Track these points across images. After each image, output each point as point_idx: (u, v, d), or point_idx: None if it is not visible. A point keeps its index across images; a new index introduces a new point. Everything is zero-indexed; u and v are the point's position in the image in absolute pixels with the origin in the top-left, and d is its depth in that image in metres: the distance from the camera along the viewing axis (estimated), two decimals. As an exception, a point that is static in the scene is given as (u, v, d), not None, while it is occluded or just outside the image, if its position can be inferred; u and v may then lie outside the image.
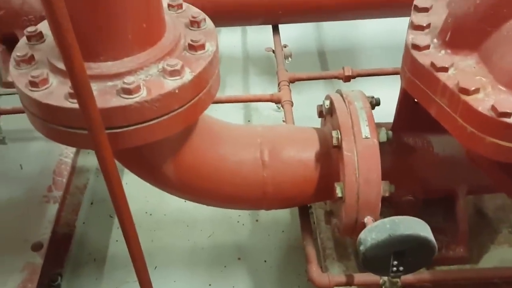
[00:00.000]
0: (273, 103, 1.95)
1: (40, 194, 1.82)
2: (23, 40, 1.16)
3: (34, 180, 1.89)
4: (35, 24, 2.28)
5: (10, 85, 2.39)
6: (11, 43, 2.32)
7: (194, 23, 1.15)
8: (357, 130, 1.21)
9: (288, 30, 2.28)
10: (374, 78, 1.99)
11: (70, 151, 2.00)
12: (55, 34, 0.94)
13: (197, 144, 1.25)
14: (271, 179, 1.30)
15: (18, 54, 1.08)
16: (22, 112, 2.06)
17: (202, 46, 1.08)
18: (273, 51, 2.13)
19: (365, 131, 1.22)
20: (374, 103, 1.30)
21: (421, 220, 1.06)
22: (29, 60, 1.07)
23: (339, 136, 1.21)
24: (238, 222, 1.97)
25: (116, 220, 2.02)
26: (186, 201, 1.48)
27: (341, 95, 1.31)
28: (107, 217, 2.05)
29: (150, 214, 2.04)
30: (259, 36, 2.74)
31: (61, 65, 1.02)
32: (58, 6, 0.76)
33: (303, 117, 1.89)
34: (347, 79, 1.92)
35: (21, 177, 1.94)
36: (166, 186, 1.35)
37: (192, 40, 1.08)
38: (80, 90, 0.86)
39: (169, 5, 1.21)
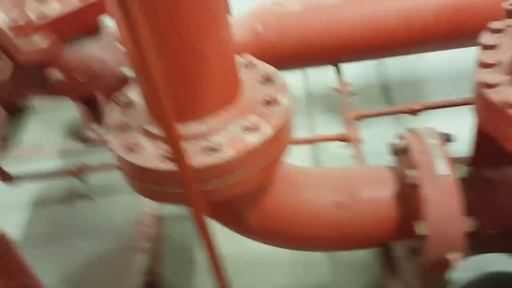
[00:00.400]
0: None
1: (128, 245, 1.94)
2: (115, 107, 1.28)
3: (122, 232, 2.02)
4: (114, 87, 2.49)
5: (93, 142, 2.62)
6: (92, 104, 2.56)
7: (267, 80, 1.23)
8: (433, 168, 1.22)
9: (349, 66, 2.32)
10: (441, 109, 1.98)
11: (152, 202, 2.12)
12: (150, 100, 1.05)
13: (276, 190, 1.31)
14: (351, 220, 1.32)
15: (113, 121, 1.20)
16: (108, 169, 2.24)
17: (277, 101, 1.15)
18: (337, 90, 2.18)
19: (442, 168, 1.22)
20: (447, 138, 1.31)
21: (513, 256, 1.04)
22: (124, 126, 1.19)
23: (416, 175, 1.22)
24: (317, 262, 1.98)
25: (198, 267, 2.11)
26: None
27: (414, 134, 1.33)
28: (188, 263, 2.14)
29: (230, 258, 2.10)
30: (320, 74, 2.80)
31: (152, 129, 1.13)
32: (153, 76, 0.85)
33: (372, 152, 1.90)
34: (415, 113, 1.92)
35: (110, 230, 2.08)
36: (248, 232, 1.41)
37: (267, 96, 1.16)
38: (175, 151, 0.95)
39: (242, 65, 1.30)
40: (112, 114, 1.25)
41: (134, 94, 1.29)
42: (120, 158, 1.14)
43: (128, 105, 1.26)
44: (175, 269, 2.12)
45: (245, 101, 1.16)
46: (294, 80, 2.96)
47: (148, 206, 2.13)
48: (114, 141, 1.17)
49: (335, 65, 2.26)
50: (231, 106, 1.13)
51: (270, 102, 1.15)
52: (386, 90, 2.75)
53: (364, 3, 1.99)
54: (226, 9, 1.09)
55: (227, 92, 1.12)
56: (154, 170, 1.07)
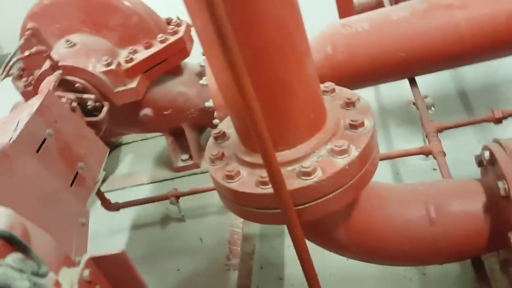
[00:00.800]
0: (420, 154, 1.99)
1: (220, 263, 2.08)
2: (211, 141, 1.41)
3: (213, 250, 2.15)
4: (197, 117, 2.68)
5: (181, 169, 2.82)
6: (178, 134, 2.77)
7: (349, 104, 1.31)
8: (524, 178, 1.22)
9: (423, 77, 2.32)
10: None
11: (239, 221, 2.25)
12: (246, 132, 1.17)
13: (365, 207, 1.37)
14: (441, 234, 1.35)
15: (212, 153, 1.33)
16: (196, 193, 2.39)
17: (362, 124, 1.23)
18: (414, 103, 2.19)
19: (533, 178, 1.23)
20: (537, 148, 1.30)
21: None
22: (221, 157, 1.32)
23: (507, 187, 1.23)
24: (404, 277, 1.99)
25: (285, 282, 2.19)
26: (348, 259, 1.56)
27: (500, 144, 1.34)
28: (277, 279, 2.22)
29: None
30: (391, 88, 2.82)
31: (247, 158, 1.24)
32: (255, 112, 0.96)
33: (455, 163, 1.90)
34: (498, 121, 1.90)
35: (202, 249, 2.23)
36: (338, 248, 1.48)
37: (352, 120, 1.24)
38: (274, 177, 1.05)
39: (324, 91, 1.39)
40: (209, 146, 1.38)
41: (224, 126, 1.42)
42: (220, 186, 1.26)
43: (223, 137, 1.38)
44: (264, 285, 2.21)
45: (330, 126, 1.24)
46: (366, 95, 2.99)
47: (236, 225, 2.26)
48: (214, 171, 1.29)
49: (409, 77, 2.27)
50: (318, 132, 1.22)
51: (354, 126, 1.22)
52: (464, 98, 2.70)
53: (432, 15, 1.99)
54: (308, 43, 1.19)
55: (315, 120, 1.21)
56: (253, 194, 1.17)
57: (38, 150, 1.63)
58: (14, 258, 0.89)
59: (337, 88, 1.40)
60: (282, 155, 1.20)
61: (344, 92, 1.37)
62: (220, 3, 0.85)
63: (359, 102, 1.31)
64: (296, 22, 1.10)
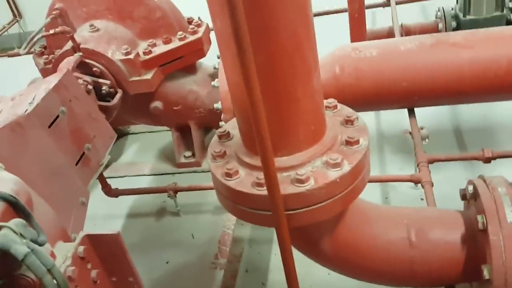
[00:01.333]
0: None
1: (208, 261, 2.14)
2: (215, 139, 1.49)
3: (203, 248, 2.22)
4: (205, 117, 2.76)
5: (183, 165, 2.90)
6: (184, 131, 2.85)
7: (348, 122, 1.39)
8: (502, 215, 1.30)
9: (423, 109, 2.39)
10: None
11: (231, 223, 2.32)
12: (249, 136, 1.25)
13: (350, 223, 1.44)
14: (419, 258, 1.42)
15: (215, 150, 1.41)
16: (195, 189, 2.47)
17: (357, 142, 1.31)
18: (410, 133, 2.27)
19: (510, 216, 1.30)
20: (517, 188, 1.38)
21: None
22: (222, 155, 1.40)
23: (485, 221, 1.31)
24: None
25: (268, 288, 2.25)
26: (330, 273, 1.62)
27: (484, 181, 1.42)
28: (260, 284, 2.29)
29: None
30: (392, 115, 2.90)
31: (247, 159, 1.32)
32: (260, 118, 1.05)
33: (442, 196, 1.97)
34: (487, 160, 1.97)
35: (193, 245, 2.29)
36: (321, 259, 1.55)
37: (348, 137, 1.32)
38: (270, 181, 1.13)
39: (326, 107, 1.47)
40: (213, 143, 1.46)
41: (229, 126, 1.50)
42: (218, 182, 1.34)
43: (227, 137, 1.46)
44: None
45: (328, 140, 1.32)
46: (366, 118, 3.07)
47: (228, 227, 2.33)
48: (214, 167, 1.37)
49: (409, 107, 2.35)
50: (316, 144, 1.30)
51: (350, 142, 1.30)
52: (459, 134, 2.79)
53: (437, 51, 2.06)
54: (317, 57, 1.27)
55: (314, 132, 1.29)
56: (248, 194, 1.25)
57: (50, 126, 1.72)
58: (16, 222, 0.96)
59: (339, 105, 1.48)
60: (279, 161, 1.27)
61: (345, 110, 1.45)
62: (240, 7, 0.93)
63: (358, 121, 1.39)
64: (308, 35, 1.18)
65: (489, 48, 1.99)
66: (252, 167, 1.30)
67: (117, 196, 2.60)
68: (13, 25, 5.92)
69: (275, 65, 1.15)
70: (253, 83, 1.01)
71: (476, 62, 1.97)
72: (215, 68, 2.61)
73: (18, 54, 5.32)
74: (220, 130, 1.49)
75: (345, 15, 2.94)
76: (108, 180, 2.55)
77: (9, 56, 5.40)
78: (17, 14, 5.95)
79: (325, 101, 1.43)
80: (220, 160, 1.39)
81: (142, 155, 3.22)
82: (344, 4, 2.95)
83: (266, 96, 1.07)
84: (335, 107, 1.48)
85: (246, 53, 0.97)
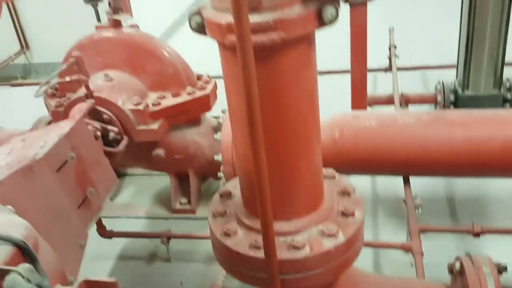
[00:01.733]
0: (402, 248, 2.12)
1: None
2: (216, 197, 1.56)
3: (191, 297, 2.23)
4: (204, 167, 2.82)
5: (178, 211, 2.94)
6: (182, 178, 2.92)
7: (345, 193, 1.47)
8: (486, 293, 1.36)
9: (418, 178, 2.48)
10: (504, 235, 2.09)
11: (222, 275, 2.34)
12: (250, 198, 1.32)
13: (340, 289, 1.49)
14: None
15: (216, 209, 1.48)
16: (188, 238, 2.50)
17: (353, 214, 1.38)
18: (404, 201, 2.34)
19: (493, 295, 1.36)
20: (501, 269, 1.45)
21: None
22: (223, 214, 1.46)
23: (469, 298, 1.36)
24: None
25: None
26: None
27: (471, 259, 1.48)
28: None
29: None
30: (389, 179, 2.98)
31: (247, 221, 1.39)
32: (264, 186, 1.12)
33: (432, 264, 2.02)
34: (476, 235, 2.05)
35: (181, 292, 2.30)
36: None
37: (344, 208, 1.39)
38: (268, 245, 1.19)
39: (325, 176, 1.55)
40: (214, 202, 1.53)
41: (231, 186, 1.58)
42: (216, 240, 1.40)
43: (228, 196, 1.53)
44: None
45: (325, 209, 1.40)
46: (363, 182, 3.16)
47: (217, 278, 2.35)
48: (214, 225, 1.44)
49: (405, 176, 2.44)
50: (313, 212, 1.37)
51: (346, 214, 1.38)
52: (452, 205, 2.86)
53: (434, 127, 2.17)
54: (320, 135, 1.37)
55: (313, 201, 1.37)
56: (244, 255, 1.31)
57: (58, 170, 1.78)
58: (24, 268, 1.01)
59: (337, 175, 1.56)
60: (277, 225, 1.33)
61: (342, 181, 1.53)
62: (255, 90, 1.03)
63: (354, 193, 1.47)
64: (313, 117, 1.29)
65: (484, 128, 2.10)
66: (251, 228, 1.36)
67: (110, 238, 2.63)
68: (19, 56, 6.07)
69: (281, 141, 1.24)
70: (260, 157, 1.09)
71: (471, 141, 2.08)
72: (219, 122, 2.71)
73: (21, 84, 5.47)
74: (222, 189, 1.56)
75: (347, 76, 3.06)
76: (102, 219, 2.59)
77: (12, 85, 5.53)
78: (24, 46, 6.10)
79: (324, 170, 1.51)
80: (220, 219, 1.46)
81: (138, 197, 3.26)
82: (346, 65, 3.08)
83: (271, 167, 1.15)
84: (333, 177, 1.56)
85: (257, 131, 1.06)
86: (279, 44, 1.10)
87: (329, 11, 1.10)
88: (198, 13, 1.18)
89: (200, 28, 1.19)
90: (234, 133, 1.33)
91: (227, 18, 1.08)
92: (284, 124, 1.23)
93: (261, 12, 1.07)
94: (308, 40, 1.17)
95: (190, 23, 1.19)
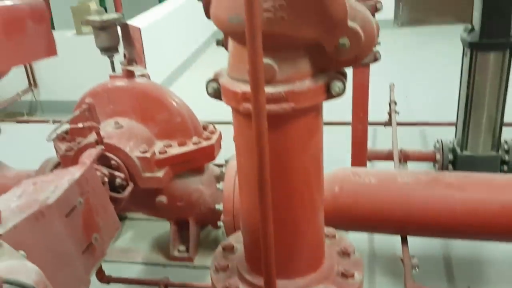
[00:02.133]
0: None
1: None
2: (219, 250, 1.60)
3: None
4: (205, 215, 2.87)
5: (176, 259, 2.95)
6: (181, 225, 2.95)
7: (345, 254, 1.52)
8: None
9: (416, 238, 2.50)
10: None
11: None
12: (253, 256, 1.36)
13: None
14: None
15: (219, 263, 1.51)
16: (186, 287, 2.50)
17: (352, 276, 1.42)
18: (401, 260, 2.37)
19: None
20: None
21: None
22: (225, 268, 1.50)
23: None
24: None
25: None
26: None
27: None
28: None
29: None
30: (387, 237, 3.00)
31: (248, 277, 1.43)
32: (269, 246, 1.18)
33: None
34: (472, 300, 2.06)
35: None
36: None
37: (344, 269, 1.43)
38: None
39: (326, 235, 1.60)
40: (217, 255, 1.57)
41: (233, 240, 1.62)
42: (218, 295, 1.43)
43: (231, 250, 1.58)
44: None
45: (325, 269, 1.44)
46: (360, 237, 3.18)
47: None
48: (216, 279, 1.47)
49: (403, 235, 2.48)
50: (314, 272, 1.41)
51: (345, 275, 1.42)
52: (449, 266, 2.88)
53: (432, 188, 2.22)
54: (323, 198, 1.43)
55: (314, 260, 1.42)
56: (246, 312, 1.34)
57: (67, 215, 1.83)
58: (36, 312, 1.06)
59: (338, 235, 1.61)
60: (280, 283, 1.37)
61: (343, 241, 1.58)
62: (267, 158, 1.11)
63: (354, 254, 1.52)
64: (317, 180, 1.35)
65: (482, 191, 2.16)
66: (253, 285, 1.40)
67: (108, 283, 2.63)
68: (27, 93, 6.21)
69: (287, 202, 1.30)
70: (267, 216, 1.15)
71: (469, 204, 2.12)
72: (221, 171, 2.78)
73: (27, 121, 5.58)
74: (225, 243, 1.61)
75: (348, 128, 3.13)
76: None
77: (18, 122, 5.64)
78: (32, 84, 6.24)
79: (325, 229, 1.56)
80: (223, 273, 1.49)
81: (136, 242, 3.27)
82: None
83: (275, 227, 1.20)
84: (334, 236, 1.61)
85: (265, 191, 1.12)
86: (289, 113, 1.18)
87: (336, 86, 1.19)
88: (215, 80, 1.27)
89: (217, 94, 1.28)
90: (241, 189, 1.39)
91: (242, 87, 1.17)
92: (290, 186, 1.30)
93: (274, 84, 1.16)
94: (316, 110, 1.26)
95: (207, 89, 1.28)
